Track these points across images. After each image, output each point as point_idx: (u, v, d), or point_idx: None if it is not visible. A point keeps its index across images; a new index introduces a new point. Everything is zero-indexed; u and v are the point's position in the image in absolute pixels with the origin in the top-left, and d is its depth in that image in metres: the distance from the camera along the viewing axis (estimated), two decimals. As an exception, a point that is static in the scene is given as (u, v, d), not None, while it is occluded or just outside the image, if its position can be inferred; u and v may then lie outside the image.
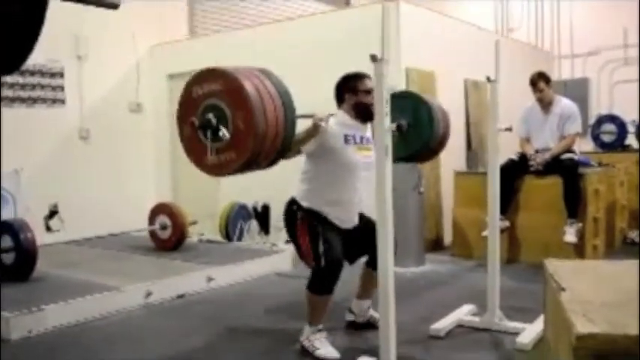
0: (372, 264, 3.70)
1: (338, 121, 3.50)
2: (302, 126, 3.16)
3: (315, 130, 3.28)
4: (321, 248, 3.37)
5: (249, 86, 2.60)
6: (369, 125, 3.56)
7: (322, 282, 3.40)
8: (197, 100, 2.73)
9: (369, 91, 3.41)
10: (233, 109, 2.62)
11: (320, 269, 3.38)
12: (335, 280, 3.39)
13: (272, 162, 2.81)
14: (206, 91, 2.70)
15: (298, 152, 3.37)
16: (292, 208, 3.55)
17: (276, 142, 2.67)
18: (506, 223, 5.54)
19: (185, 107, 2.80)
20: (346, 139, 3.47)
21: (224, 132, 2.61)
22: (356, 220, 3.61)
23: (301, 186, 3.56)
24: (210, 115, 2.66)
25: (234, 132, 2.62)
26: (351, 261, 3.64)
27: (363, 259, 3.77)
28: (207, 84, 2.70)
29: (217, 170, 2.74)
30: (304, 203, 3.51)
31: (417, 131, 3.76)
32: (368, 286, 3.80)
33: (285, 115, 2.69)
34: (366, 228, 3.60)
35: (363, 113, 3.49)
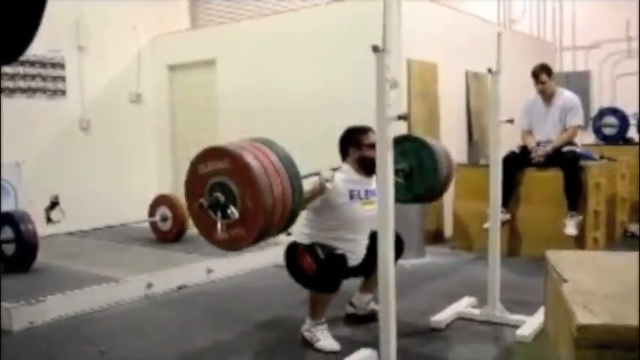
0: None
1: (343, 176, 3.49)
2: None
3: (321, 191, 3.31)
4: (319, 250, 3.37)
5: (254, 163, 2.58)
6: (374, 178, 3.54)
7: (324, 277, 3.38)
8: (203, 177, 2.70)
9: (373, 145, 3.38)
10: (241, 188, 2.60)
11: (321, 264, 3.36)
12: (338, 276, 3.39)
13: (282, 230, 2.82)
14: (211, 170, 2.68)
15: (304, 209, 3.36)
16: (293, 250, 3.52)
17: (284, 213, 2.67)
18: (507, 216, 5.54)
19: (192, 185, 2.77)
20: (351, 196, 3.48)
21: (233, 211, 2.60)
22: (360, 259, 3.61)
23: (304, 230, 3.56)
24: (218, 194, 2.64)
25: (243, 210, 2.60)
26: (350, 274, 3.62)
27: None
28: (212, 162, 2.68)
29: (228, 245, 2.73)
30: (306, 241, 3.50)
31: (421, 175, 3.78)
32: (372, 282, 3.81)
33: (292, 187, 2.68)
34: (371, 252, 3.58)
35: (367, 167, 3.46)
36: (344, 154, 3.62)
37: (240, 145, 2.71)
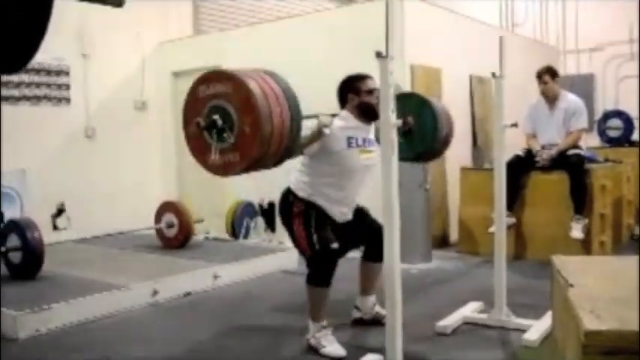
0: (368, 255, 3.74)
1: (341, 123, 3.50)
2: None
3: (319, 135, 3.32)
4: (315, 236, 3.41)
5: (256, 90, 2.59)
6: (372, 126, 3.57)
7: (319, 270, 3.42)
8: (203, 99, 2.72)
9: (371, 91, 3.46)
10: (239, 113, 2.61)
11: (315, 255, 3.42)
12: (331, 269, 3.42)
13: (276, 164, 2.81)
14: (212, 92, 2.69)
15: (301, 153, 3.40)
16: (289, 198, 3.57)
17: (281, 145, 2.67)
18: (513, 220, 5.53)
19: (191, 106, 2.80)
20: (349, 143, 3.48)
21: (229, 134, 2.61)
22: (350, 217, 3.66)
23: (299, 177, 3.57)
24: (216, 117, 2.65)
25: (240, 135, 2.61)
26: (343, 253, 3.61)
27: (359, 255, 3.82)
28: (214, 85, 2.69)
29: (221, 170, 2.74)
30: (301, 193, 3.53)
31: (421, 132, 3.78)
32: (368, 280, 3.84)
33: (291, 120, 2.69)
34: (360, 219, 3.69)
35: (367, 113, 3.51)
36: (342, 101, 3.63)
37: (244, 71, 2.71)
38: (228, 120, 2.64)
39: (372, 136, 3.59)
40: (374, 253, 3.64)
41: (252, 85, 2.60)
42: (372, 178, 3.53)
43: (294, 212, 3.52)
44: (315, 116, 3.29)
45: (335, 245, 3.42)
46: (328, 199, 3.52)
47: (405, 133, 3.72)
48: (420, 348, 3.49)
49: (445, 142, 3.93)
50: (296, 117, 2.71)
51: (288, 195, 3.59)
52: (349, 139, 3.48)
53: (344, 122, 3.52)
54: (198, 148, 2.77)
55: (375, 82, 3.23)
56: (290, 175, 3.63)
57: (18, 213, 6.25)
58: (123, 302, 4.42)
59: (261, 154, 2.62)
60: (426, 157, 4.15)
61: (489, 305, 3.93)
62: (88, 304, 4.24)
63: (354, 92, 3.55)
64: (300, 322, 3.70)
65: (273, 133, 2.60)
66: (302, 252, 3.56)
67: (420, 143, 3.83)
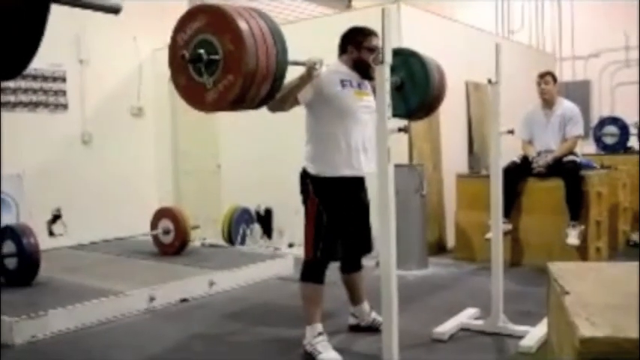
0: (347, 268, 3.77)
1: (334, 68, 3.49)
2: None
3: (309, 76, 3.24)
4: (321, 243, 3.41)
5: (230, 9, 2.66)
6: (366, 82, 3.55)
7: (313, 270, 3.47)
8: (184, 46, 2.78)
9: (372, 49, 3.42)
10: (220, 34, 2.67)
11: (314, 260, 3.44)
12: (325, 269, 3.47)
13: (268, 95, 2.82)
14: (190, 34, 2.76)
15: (296, 101, 3.34)
16: (305, 180, 3.49)
17: (269, 63, 2.69)
18: (509, 226, 5.53)
19: (175, 58, 2.84)
20: (343, 84, 3.43)
21: (216, 59, 2.67)
22: (366, 168, 3.46)
23: (308, 149, 3.50)
24: (201, 51, 2.70)
25: (226, 55, 2.66)
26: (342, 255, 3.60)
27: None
28: (190, 25, 2.76)
29: (219, 103, 2.75)
30: (313, 170, 3.44)
31: (413, 86, 3.76)
32: (355, 290, 3.86)
33: (274, 40, 2.73)
34: (362, 223, 3.63)
35: (361, 69, 3.49)
36: (342, 50, 3.60)
37: (232, 7, 2.76)
38: (211, 49, 2.69)
39: (367, 83, 3.54)
40: (351, 265, 3.70)
41: (225, 6, 2.66)
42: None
43: (309, 206, 3.46)
44: (304, 63, 3.23)
45: (336, 258, 3.43)
46: (338, 151, 3.39)
47: (397, 88, 3.70)
48: (416, 354, 3.49)
49: (439, 94, 3.89)
50: (279, 37, 2.75)
51: (304, 177, 3.51)
52: (342, 80, 3.44)
53: (335, 68, 3.51)
54: (193, 93, 2.80)
55: (379, 40, 3.07)
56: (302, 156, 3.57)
57: (14, 219, 6.24)
58: (119, 308, 4.41)
59: (252, 68, 2.63)
60: (420, 112, 4.04)
61: (486, 312, 3.93)
62: (84, 311, 4.22)
63: (354, 45, 3.52)
64: (296, 329, 3.70)
65: (258, 48, 2.64)
66: (304, 245, 3.53)
67: (412, 96, 3.79)
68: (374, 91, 3.16)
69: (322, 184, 3.44)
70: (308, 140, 3.53)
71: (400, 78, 3.73)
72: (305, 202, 3.53)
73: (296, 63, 3.08)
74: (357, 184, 3.58)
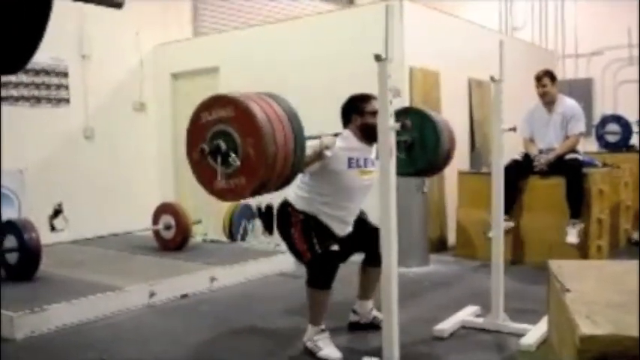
0: (368, 261, 3.74)
1: (343, 143, 3.51)
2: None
3: (320, 156, 3.36)
4: (315, 240, 3.44)
5: (258, 112, 2.59)
6: (374, 147, 3.57)
7: (319, 273, 3.42)
8: (206, 126, 2.71)
9: (375, 113, 3.41)
10: (243, 136, 2.61)
11: (316, 258, 3.43)
12: (332, 271, 3.41)
13: (281, 185, 2.82)
14: (215, 118, 2.69)
15: (302, 171, 3.38)
16: (287, 209, 3.59)
17: (285, 167, 2.68)
18: (511, 224, 5.52)
19: (194, 133, 2.78)
20: (350, 164, 3.50)
21: (234, 157, 2.61)
22: (351, 229, 3.69)
23: (299, 192, 3.59)
24: (220, 141, 2.65)
25: (244, 158, 2.61)
26: (344, 258, 3.63)
27: (359, 259, 3.81)
28: (216, 110, 2.69)
29: (227, 195, 2.75)
30: (299, 207, 3.56)
31: (423, 149, 3.76)
32: (368, 285, 3.83)
33: (295, 141, 2.69)
34: (360, 226, 3.69)
35: (369, 134, 3.48)
36: (346, 121, 3.64)
37: (246, 94, 2.72)
38: (232, 144, 2.64)
39: (373, 155, 3.59)
40: (373, 259, 3.65)
41: (255, 108, 2.60)
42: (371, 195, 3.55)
43: (293, 221, 3.54)
44: (318, 137, 3.31)
45: (335, 247, 3.43)
46: (327, 216, 3.55)
47: (406, 148, 3.73)
48: (417, 352, 3.49)
49: (447, 157, 3.90)
50: (299, 138, 2.71)
51: (286, 207, 3.60)
52: (350, 159, 3.50)
53: (345, 142, 3.53)
54: (204, 174, 2.77)
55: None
56: (288, 190, 3.62)
57: (15, 214, 6.24)
58: (120, 304, 4.42)
59: (266, 175, 2.62)
60: (426, 172, 4.14)
61: (486, 309, 3.93)
62: (85, 306, 4.23)
63: (357, 113, 3.56)
64: (297, 324, 3.70)
65: (277, 155, 2.60)
66: (300, 257, 3.55)
67: (421, 158, 3.79)
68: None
69: (306, 214, 3.55)
70: (301, 188, 3.59)
71: (412, 137, 3.74)
72: (284, 228, 3.59)
73: (309, 138, 3.09)
74: None
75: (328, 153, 3.36)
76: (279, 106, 2.72)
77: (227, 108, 2.66)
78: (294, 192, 3.60)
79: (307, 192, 3.56)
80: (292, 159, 2.69)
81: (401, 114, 3.47)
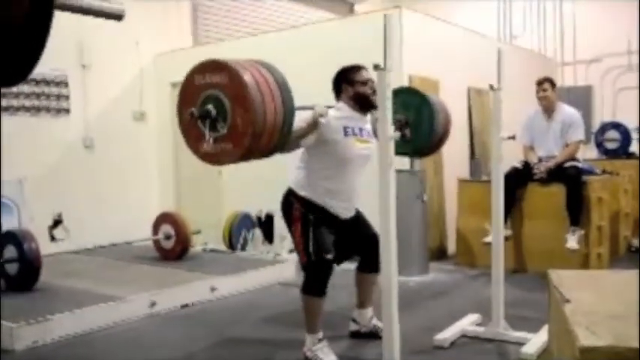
0: (364, 266, 3.74)
1: (337, 113, 3.53)
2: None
3: (315, 126, 3.36)
4: (311, 246, 3.42)
5: (251, 83, 2.64)
6: (368, 117, 3.61)
7: (314, 280, 3.44)
8: (198, 88, 2.76)
9: (365, 82, 3.51)
10: (233, 104, 2.66)
11: (310, 265, 3.43)
12: (326, 279, 3.43)
13: (269, 153, 2.84)
14: (208, 82, 2.74)
15: (297, 146, 3.40)
16: (289, 199, 3.58)
17: (273, 137, 2.71)
18: (509, 232, 5.51)
19: (186, 94, 2.84)
20: (345, 132, 3.49)
21: (222, 125, 2.66)
22: (353, 211, 3.66)
23: (298, 174, 3.59)
24: (210, 107, 2.70)
25: (233, 126, 2.66)
26: (339, 261, 3.63)
27: (353, 266, 3.82)
28: (210, 75, 2.74)
29: (214, 159, 2.77)
30: (301, 192, 3.53)
31: (419, 128, 3.79)
32: (365, 292, 3.84)
33: (284, 111, 2.72)
34: (358, 228, 3.68)
35: (362, 103, 3.54)
36: (337, 92, 3.66)
37: (241, 62, 2.77)
38: (221, 110, 2.68)
39: (368, 126, 3.62)
40: (369, 264, 3.65)
41: (247, 77, 2.65)
42: (370, 167, 3.50)
43: (295, 216, 3.53)
44: (311, 107, 3.32)
45: (330, 256, 3.43)
46: (328, 193, 3.52)
47: (400, 126, 3.75)
48: (417, 361, 3.48)
49: (440, 141, 3.94)
50: (289, 110, 2.75)
51: (289, 195, 3.59)
52: (345, 128, 3.49)
53: (340, 112, 3.54)
54: (192, 136, 2.81)
55: (369, 73, 3.32)
56: (290, 174, 3.63)
57: (15, 224, 6.24)
58: (120, 314, 4.41)
59: (253, 145, 2.65)
60: (422, 153, 4.18)
61: (487, 318, 3.93)
62: (86, 316, 4.23)
63: (348, 83, 3.58)
64: (297, 334, 3.70)
65: (265, 126, 2.65)
66: (299, 256, 3.56)
67: (417, 138, 3.86)
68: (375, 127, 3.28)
69: (309, 203, 3.52)
70: (300, 167, 3.59)
71: (405, 118, 3.76)
72: (289, 219, 3.58)
73: (302, 108, 3.10)
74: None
75: (322, 120, 3.35)
76: (272, 75, 2.76)
77: (220, 74, 2.71)
78: (295, 175, 3.59)
79: (306, 169, 3.55)
80: (280, 129, 2.72)
81: (399, 94, 3.47)
